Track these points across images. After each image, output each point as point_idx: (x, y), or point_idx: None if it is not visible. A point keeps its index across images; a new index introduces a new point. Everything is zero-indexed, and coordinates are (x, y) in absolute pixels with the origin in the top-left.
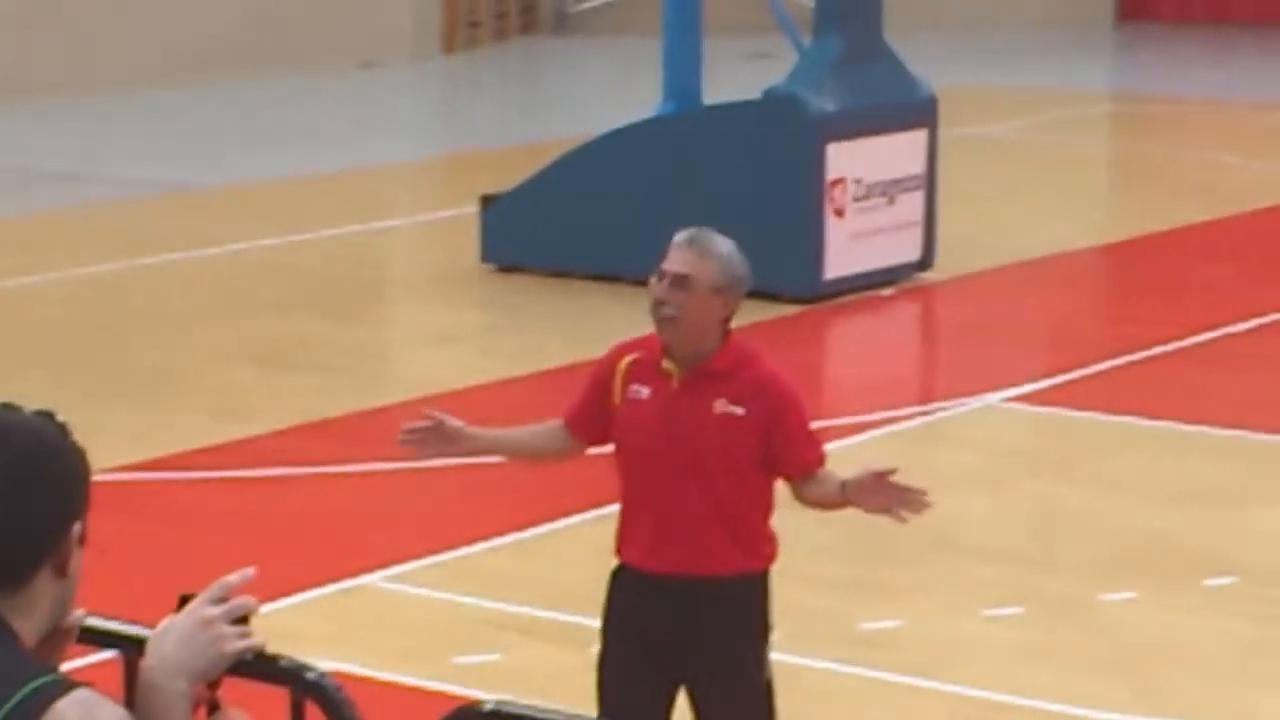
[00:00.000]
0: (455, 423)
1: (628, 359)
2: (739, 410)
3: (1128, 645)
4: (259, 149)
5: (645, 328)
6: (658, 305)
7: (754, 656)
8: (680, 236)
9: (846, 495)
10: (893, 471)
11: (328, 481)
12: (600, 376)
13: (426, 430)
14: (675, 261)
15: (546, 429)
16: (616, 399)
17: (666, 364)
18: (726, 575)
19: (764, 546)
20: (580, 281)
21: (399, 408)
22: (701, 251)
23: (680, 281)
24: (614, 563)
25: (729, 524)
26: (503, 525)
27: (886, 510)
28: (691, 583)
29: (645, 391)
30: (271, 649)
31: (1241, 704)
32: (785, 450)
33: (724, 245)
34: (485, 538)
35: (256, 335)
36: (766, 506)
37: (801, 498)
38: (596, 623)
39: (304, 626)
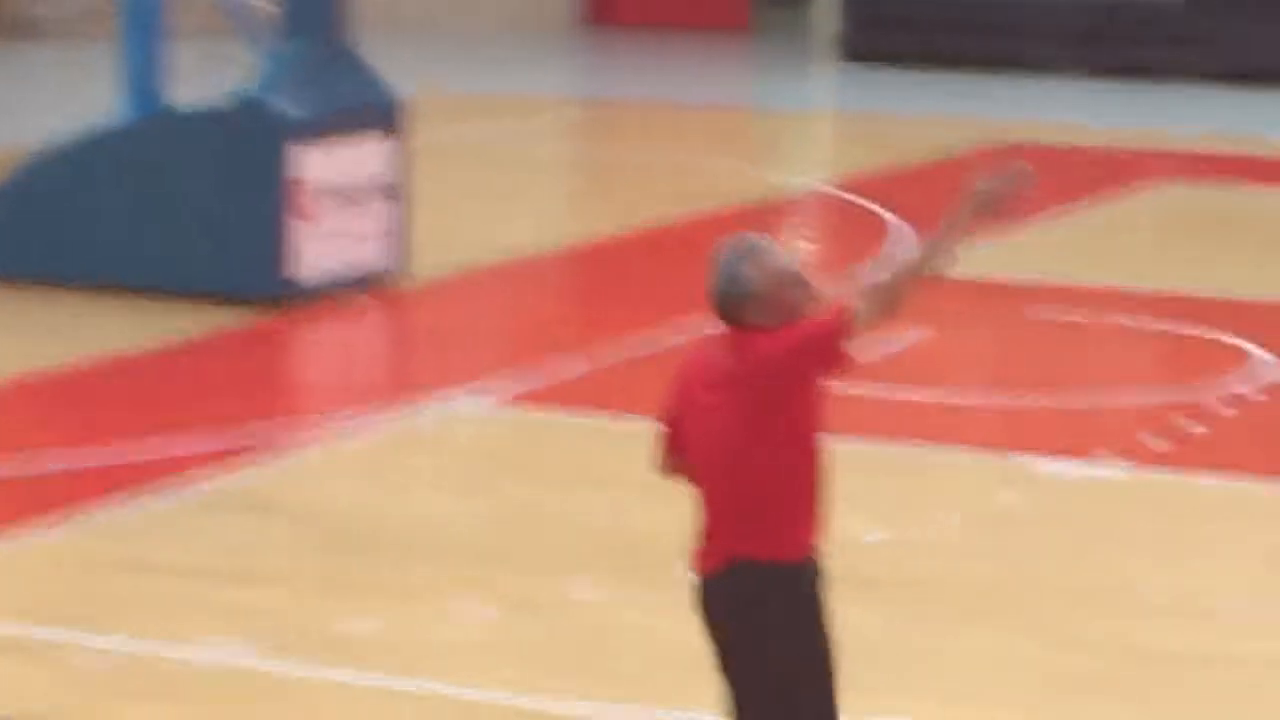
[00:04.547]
0: None
1: None
2: None
3: (597, 639)
4: None
5: (127, 333)
6: None
7: None
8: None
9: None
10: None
11: None
12: None
13: None
14: None
15: None
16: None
17: None
18: None
19: None
20: (50, 290)
21: None
22: None
23: None
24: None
25: None
26: None
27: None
28: None
29: None
30: None
31: (708, 692)
32: None
33: None
34: None
35: None
36: None
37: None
38: (65, 634)
39: None
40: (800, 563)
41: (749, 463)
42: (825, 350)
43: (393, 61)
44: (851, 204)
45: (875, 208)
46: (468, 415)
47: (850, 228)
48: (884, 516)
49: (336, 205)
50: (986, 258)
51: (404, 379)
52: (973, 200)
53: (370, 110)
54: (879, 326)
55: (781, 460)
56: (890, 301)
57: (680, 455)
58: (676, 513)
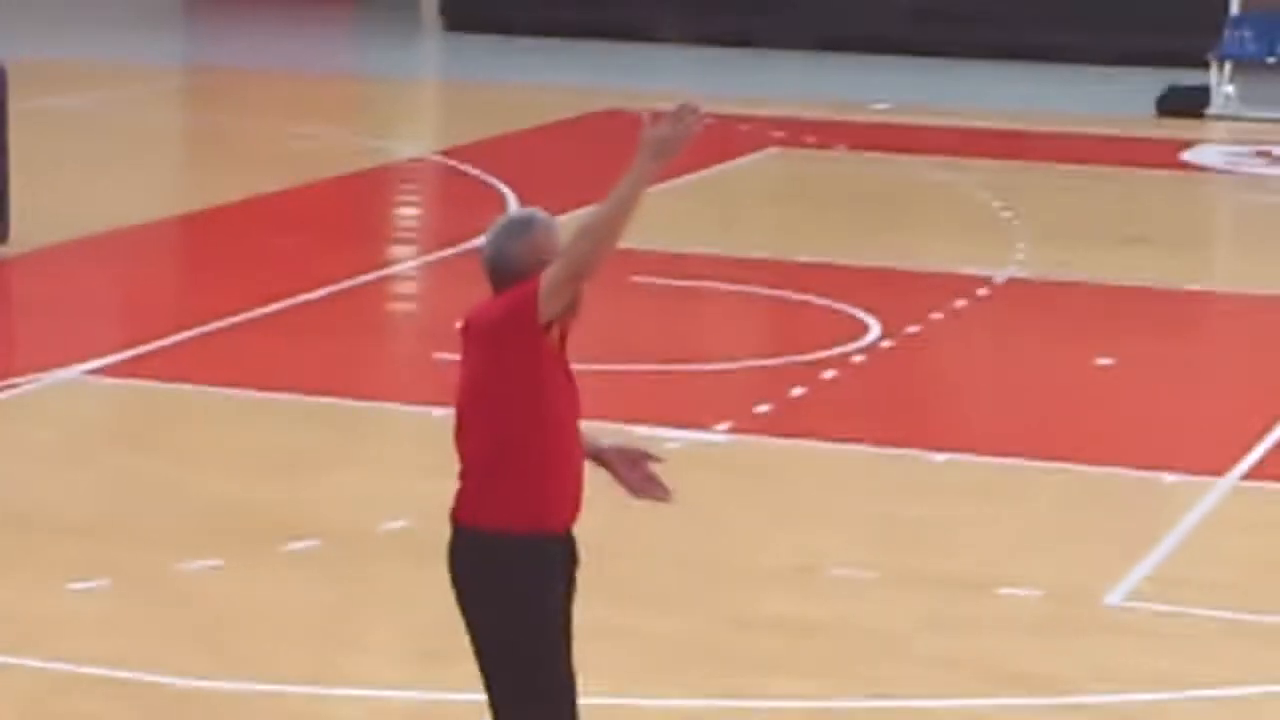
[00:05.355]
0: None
1: None
2: None
3: (212, 613)
4: None
5: None
6: None
7: None
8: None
9: (604, 455)
10: (661, 460)
11: None
12: None
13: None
14: None
15: None
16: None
17: None
18: None
19: None
20: None
21: None
22: None
23: None
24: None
25: None
26: None
27: (633, 487)
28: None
29: None
30: None
31: (323, 664)
32: None
33: None
34: None
35: None
36: None
37: None
38: None
39: None
40: (528, 537)
41: (475, 426)
42: (522, 312)
43: None
44: (459, 171)
45: (483, 175)
46: (73, 388)
47: (459, 196)
48: None
49: None
50: None
51: (8, 351)
52: (648, 148)
53: None
54: (571, 285)
55: (503, 428)
56: (579, 260)
57: None
58: (286, 486)
